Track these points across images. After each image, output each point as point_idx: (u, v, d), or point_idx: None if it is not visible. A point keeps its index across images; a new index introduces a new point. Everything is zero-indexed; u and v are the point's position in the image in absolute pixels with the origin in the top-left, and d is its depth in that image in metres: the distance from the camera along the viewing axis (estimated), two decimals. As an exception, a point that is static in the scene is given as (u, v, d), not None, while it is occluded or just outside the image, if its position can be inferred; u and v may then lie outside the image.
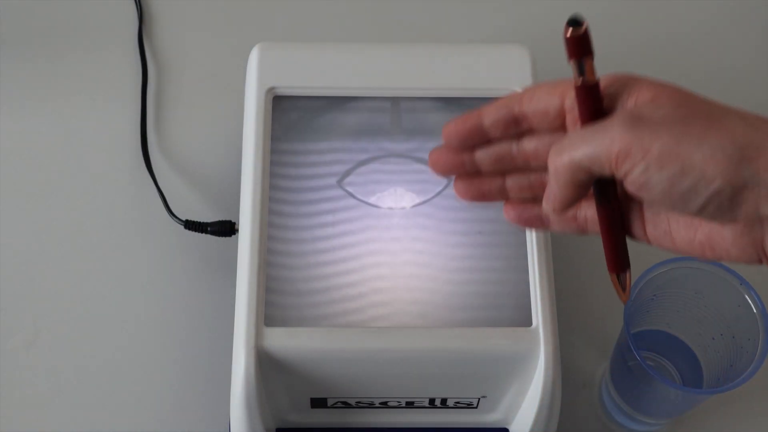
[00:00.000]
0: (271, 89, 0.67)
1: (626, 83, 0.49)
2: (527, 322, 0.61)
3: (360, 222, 0.64)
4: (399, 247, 0.64)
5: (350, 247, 0.64)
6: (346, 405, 0.65)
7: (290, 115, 0.67)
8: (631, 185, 0.46)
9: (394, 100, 0.68)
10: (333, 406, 0.66)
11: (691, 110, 0.46)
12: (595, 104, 0.49)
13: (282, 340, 0.60)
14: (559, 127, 0.51)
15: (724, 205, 0.45)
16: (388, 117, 0.68)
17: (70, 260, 0.77)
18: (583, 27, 0.50)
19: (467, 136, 0.52)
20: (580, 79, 0.49)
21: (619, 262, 0.53)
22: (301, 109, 0.68)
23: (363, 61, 0.69)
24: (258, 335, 0.60)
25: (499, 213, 0.64)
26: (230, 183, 0.77)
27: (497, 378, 0.63)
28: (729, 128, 0.45)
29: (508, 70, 0.68)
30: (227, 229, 0.74)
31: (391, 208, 0.65)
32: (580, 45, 0.50)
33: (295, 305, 0.62)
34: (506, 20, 0.88)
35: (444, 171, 0.54)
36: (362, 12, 0.88)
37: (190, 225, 0.75)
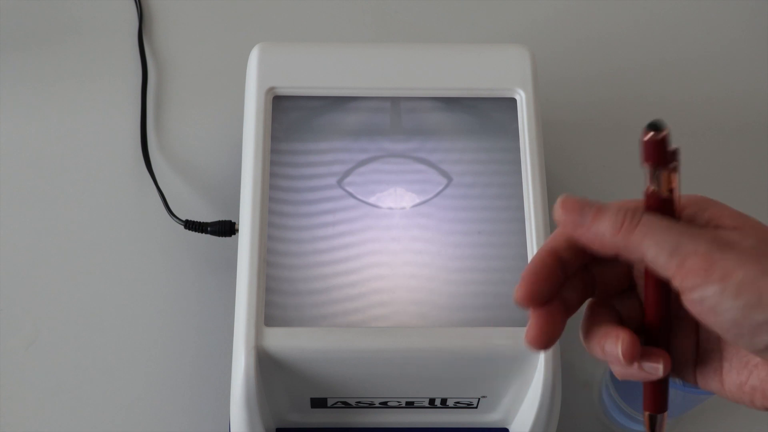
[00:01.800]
0: (271, 89, 0.67)
1: (706, 207, 0.46)
2: (527, 322, 0.61)
3: (360, 222, 0.64)
4: (399, 247, 0.64)
5: (350, 247, 0.64)
6: (346, 405, 0.65)
7: (290, 115, 0.67)
8: (693, 304, 0.43)
9: (394, 100, 0.68)
10: (333, 406, 0.66)
11: None
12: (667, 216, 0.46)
13: (282, 340, 0.60)
14: None
15: None
16: (388, 117, 0.68)
17: (70, 260, 0.77)
18: (664, 133, 0.45)
19: (545, 290, 0.48)
20: (652, 188, 0.46)
21: (658, 402, 0.49)
22: (301, 109, 0.68)
23: (363, 61, 0.69)
24: (258, 335, 0.60)
25: (499, 213, 0.65)
26: (230, 183, 0.77)
27: (497, 378, 0.63)
28: None
29: (508, 70, 0.68)
30: (227, 229, 0.74)
31: (391, 208, 0.65)
32: (657, 151, 0.45)
33: (295, 305, 0.62)
34: (506, 20, 0.88)
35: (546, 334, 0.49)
36: (362, 12, 0.88)
37: (190, 225, 0.75)
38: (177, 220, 0.75)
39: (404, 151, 0.67)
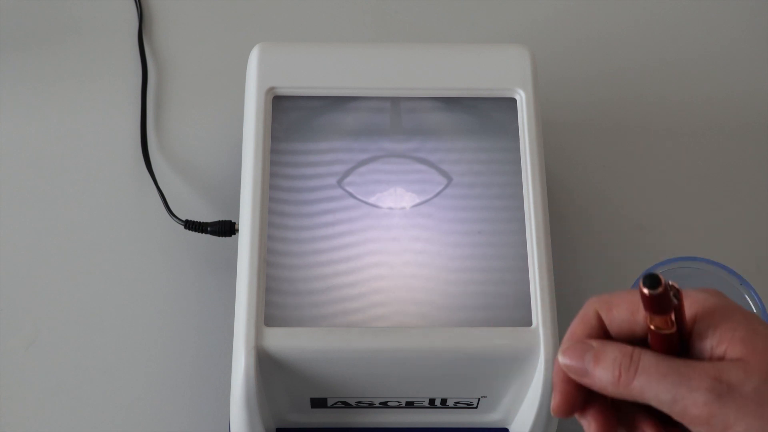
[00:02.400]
0: (271, 89, 0.67)
1: (716, 324, 0.45)
2: (527, 322, 0.61)
3: (360, 222, 0.65)
4: (399, 247, 0.64)
5: (350, 247, 0.64)
6: (346, 405, 0.65)
7: (290, 115, 0.67)
8: None
9: (394, 100, 0.68)
10: (333, 406, 0.66)
11: None
12: (672, 348, 0.46)
13: (282, 340, 0.60)
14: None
15: None
16: (388, 117, 0.68)
17: (70, 260, 0.77)
18: (659, 290, 0.44)
19: (578, 400, 0.48)
20: (652, 327, 0.45)
21: None
22: (301, 109, 0.68)
23: (363, 61, 0.69)
24: (258, 335, 0.60)
25: (499, 213, 0.65)
26: (230, 183, 0.77)
27: (497, 378, 0.63)
28: None
29: (508, 70, 0.68)
30: (227, 229, 0.74)
31: (391, 208, 0.65)
32: (655, 303, 0.44)
33: (295, 305, 0.62)
34: (506, 20, 0.88)
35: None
36: (362, 12, 0.88)
37: (190, 225, 0.75)
38: (177, 220, 0.75)
39: (404, 151, 0.67)
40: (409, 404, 0.66)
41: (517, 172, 0.65)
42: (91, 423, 0.72)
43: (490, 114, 0.68)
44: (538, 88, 0.68)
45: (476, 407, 0.66)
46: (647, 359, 0.45)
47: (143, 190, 0.79)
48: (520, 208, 0.64)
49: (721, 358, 0.45)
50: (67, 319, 0.75)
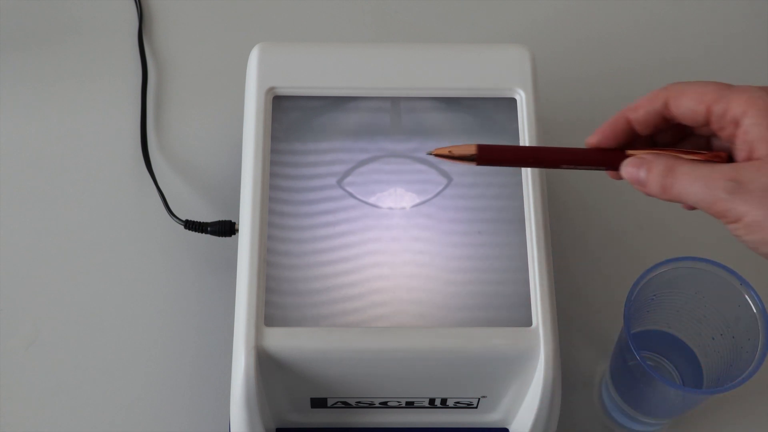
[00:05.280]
0: (271, 89, 0.67)
1: (760, 121, 0.53)
2: (527, 322, 0.61)
3: (360, 222, 0.64)
4: (399, 247, 0.64)
5: (350, 247, 0.64)
6: (346, 405, 0.65)
7: (290, 115, 0.67)
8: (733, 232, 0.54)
9: (394, 100, 0.68)
10: (333, 406, 0.66)
11: None
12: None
13: (282, 340, 0.60)
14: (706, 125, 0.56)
15: None
16: (388, 117, 0.68)
17: (70, 260, 0.77)
18: None
19: (618, 139, 0.58)
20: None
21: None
22: (301, 109, 0.68)
23: (363, 61, 0.69)
24: (258, 335, 0.60)
25: (499, 213, 0.65)
26: (230, 183, 0.77)
27: (497, 378, 0.63)
28: None
29: (508, 70, 0.68)
30: (227, 229, 0.74)
31: (391, 208, 0.65)
32: None
33: (295, 305, 0.62)
34: (506, 20, 0.88)
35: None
36: (362, 12, 0.88)
37: (190, 225, 0.75)
38: (177, 220, 0.75)
39: (404, 151, 0.67)
40: (409, 404, 0.66)
41: (517, 173, 0.65)
42: (91, 423, 0.72)
43: (490, 114, 0.68)
44: (538, 88, 0.68)
45: (476, 407, 0.66)
46: (682, 169, 0.54)
47: (143, 190, 0.79)
48: (520, 208, 0.64)
49: (749, 156, 0.53)
50: (67, 319, 0.75)
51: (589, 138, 0.59)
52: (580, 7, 0.89)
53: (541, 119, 0.67)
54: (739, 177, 0.52)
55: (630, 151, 0.58)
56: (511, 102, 0.67)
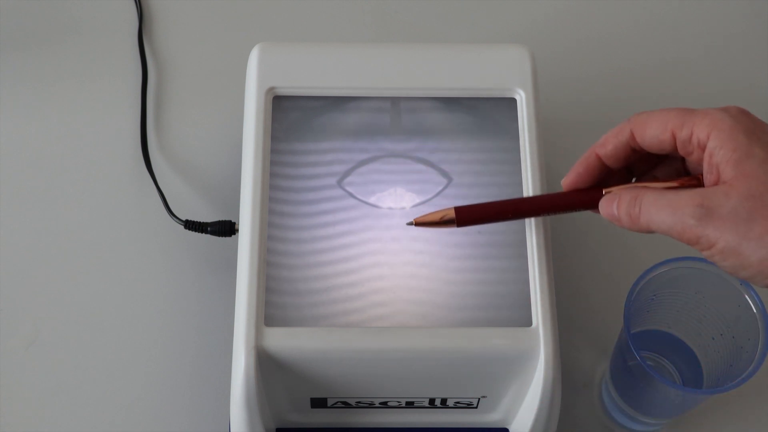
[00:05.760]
0: (271, 89, 0.67)
1: (723, 144, 0.53)
2: (527, 322, 0.61)
3: (360, 222, 0.64)
4: (399, 247, 0.64)
5: (350, 247, 0.64)
6: (346, 405, 0.65)
7: (290, 115, 0.67)
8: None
9: (394, 100, 0.68)
10: (333, 406, 0.66)
11: (757, 203, 0.51)
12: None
13: (282, 340, 0.60)
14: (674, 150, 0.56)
15: None
16: (388, 117, 0.68)
17: (70, 260, 0.77)
18: None
19: (593, 175, 0.59)
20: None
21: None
22: (301, 109, 0.68)
23: (363, 61, 0.69)
24: (258, 335, 0.60)
25: (499, 213, 0.64)
26: (230, 183, 0.77)
27: (497, 378, 0.63)
28: None
29: (508, 70, 0.68)
30: (227, 229, 0.74)
31: (391, 208, 0.65)
32: None
33: (295, 305, 0.62)
34: (506, 20, 0.88)
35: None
36: (362, 12, 0.88)
37: (190, 225, 0.75)
38: (177, 220, 0.75)
39: (404, 151, 0.67)
40: (409, 404, 0.66)
41: (517, 172, 0.65)
42: (91, 423, 0.72)
43: (490, 114, 0.68)
44: (538, 88, 0.68)
45: (476, 407, 0.66)
46: (647, 198, 0.55)
47: (143, 190, 0.79)
48: (520, 208, 0.64)
49: (717, 180, 0.53)
50: (67, 319, 0.75)
51: (564, 179, 0.60)
52: (580, 7, 0.89)
53: (541, 119, 0.67)
54: (707, 203, 0.52)
55: (606, 189, 0.58)
56: (511, 102, 0.67)
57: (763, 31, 0.88)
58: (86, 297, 0.76)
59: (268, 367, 0.60)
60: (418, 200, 0.65)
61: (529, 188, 0.64)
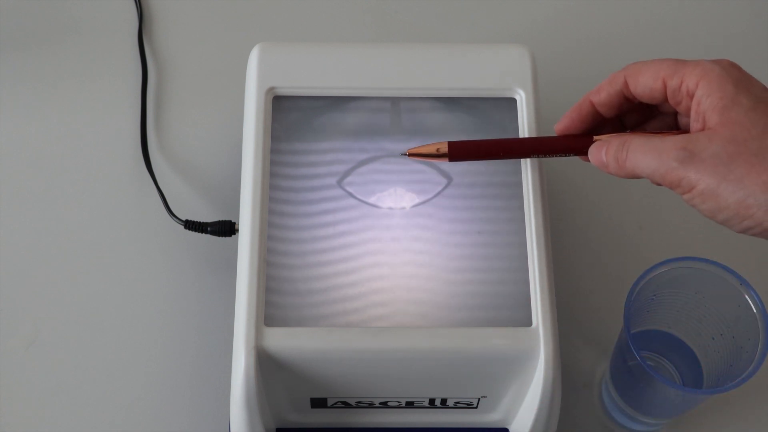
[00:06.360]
0: (271, 89, 0.67)
1: (711, 92, 0.55)
2: (527, 322, 0.61)
3: (360, 222, 0.64)
4: (399, 247, 0.64)
5: (350, 247, 0.64)
6: (346, 405, 0.65)
7: (290, 115, 0.67)
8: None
9: (394, 100, 0.68)
10: (333, 406, 0.66)
11: (739, 148, 0.52)
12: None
13: (282, 340, 0.60)
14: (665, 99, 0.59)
15: (760, 233, 0.53)
16: (388, 117, 0.68)
17: (70, 260, 0.77)
18: None
19: (585, 122, 0.61)
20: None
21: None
22: (301, 109, 0.68)
23: (363, 61, 0.69)
24: (258, 335, 0.60)
25: (499, 213, 0.65)
26: (230, 183, 0.77)
27: (497, 378, 0.63)
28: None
29: (508, 70, 0.68)
30: (227, 229, 0.74)
31: (391, 208, 0.65)
32: None
33: (295, 305, 0.62)
34: (506, 20, 0.88)
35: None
36: (362, 12, 0.88)
37: (190, 225, 0.75)
38: (177, 220, 0.75)
39: (404, 151, 0.67)
40: (409, 404, 0.66)
41: (517, 172, 0.65)
42: (91, 423, 0.72)
43: (490, 114, 0.68)
44: (538, 88, 0.68)
45: (476, 407, 0.66)
46: (634, 143, 0.56)
47: (143, 190, 0.79)
48: (520, 208, 0.64)
49: (702, 127, 0.54)
50: (67, 319, 0.75)
51: (557, 124, 0.61)
52: (580, 7, 0.89)
53: (541, 119, 0.67)
54: (691, 146, 0.53)
55: (597, 137, 0.60)
56: (511, 102, 0.67)
57: (763, 31, 0.88)
58: (86, 297, 0.76)
59: (268, 367, 0.60)
60: (418, 200, 0.65)
61: (529, 188, 0.64)
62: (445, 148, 0.62)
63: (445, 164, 0.66)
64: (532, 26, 0.88)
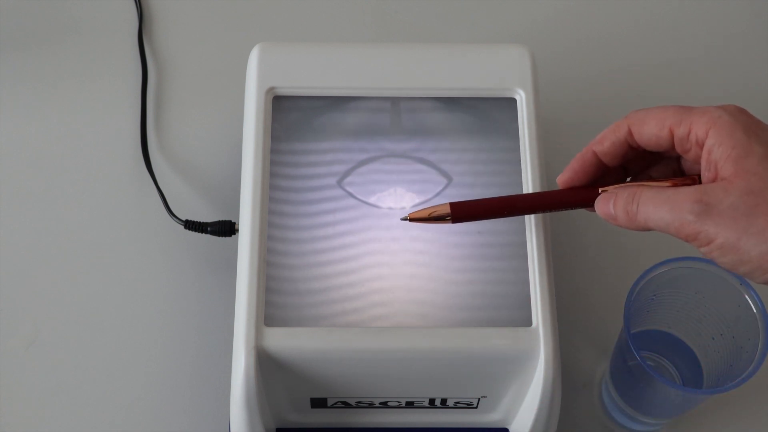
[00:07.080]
0: (271, 89, 0.67)
1: (722, 141, 0.53)
2: (527, 322, 0.61)
3: (360, 222, 0.64)
4: (399, 247, 0.64)
5: (350, 247, 0.64)
6: (346, 405, 0.65)
7: (290, 115, 0.67)
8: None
9: (394, 100, 0.68)
10: (333, 406, 0.66)
11: (757, 200, 0.51)
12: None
13: (282, 340, 0.60)
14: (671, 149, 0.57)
15: None
16: (388, 117, 0.68)
17: (70, 260, 0.77)
18: None
19: (589, 173, 0.59)
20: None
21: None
22: (301, 109, 0.68)
23: (363, 61, 0.69)
24: (258, 335, 0.60)
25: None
26: (230, 183, 0.77)
27: (497, 378, 0.63)
28: None
29: (508, 70, 0.68)
30: (227, 229, 0.74)
31: (391, 208, 0.65)
32: None
33: (295, 305, 0.62)
34: (506, 20, 0.88)
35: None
36: (362, 12, 0.88)
37: (190, 225, 0.75)
38: (177, 220, 0.75)
39: (404, 151, 0.67)
40: (409, 404, 0.66)
41: (517, 172, 0.65)
42: (91, 423, 0.72)
43: (490, 114, 0.68)
44: (538, 88, 0.68)
45: (476, 407, 0.66)
46: (645, 195, 0.55)
47: (143, 190, 0.79)
48: (520, 208, 0.64)
49: (715, 177, 0.53)
50: (67, 319, 0.75)
51: (560, 176, 0.59)
52: (580, 7, 0.89)
53: (541, 119, 0.67)
54: (707, 198, 0.52)
55: (603, 188, 0.58)
56: (511, 102, 0.67)
57: (763, 31, 0.88)
58: (86, 297, 0.76)
59: (268, 367, 0.60)
60: (418, 200, 0.65)
61: (529, 188, 0.64)
62: (446, 210, 0.60)
63: (445, 164, 0.66)
64: (532, 26, 0.88)
